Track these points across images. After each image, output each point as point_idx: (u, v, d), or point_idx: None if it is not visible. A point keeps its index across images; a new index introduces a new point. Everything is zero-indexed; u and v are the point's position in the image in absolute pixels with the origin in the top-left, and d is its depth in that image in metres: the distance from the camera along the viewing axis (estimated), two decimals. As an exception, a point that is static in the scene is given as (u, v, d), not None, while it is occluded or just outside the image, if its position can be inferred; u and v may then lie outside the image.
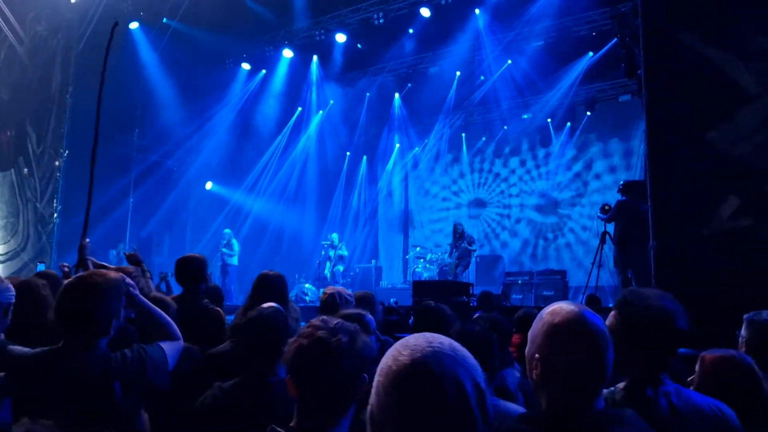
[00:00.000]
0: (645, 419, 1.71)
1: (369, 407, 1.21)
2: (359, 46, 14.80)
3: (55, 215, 12.93)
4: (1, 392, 2.25)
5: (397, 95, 16.93)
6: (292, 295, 10.56)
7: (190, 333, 2.84)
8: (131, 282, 2.49)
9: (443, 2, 12.86)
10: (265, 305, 2.65)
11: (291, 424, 1.71)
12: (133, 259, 4.25)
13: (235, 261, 13.36)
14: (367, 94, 16.77)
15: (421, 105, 16.45)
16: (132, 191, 14.20)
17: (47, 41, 13.89)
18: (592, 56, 13.66)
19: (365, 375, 1.68)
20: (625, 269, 8.69)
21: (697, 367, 2.40)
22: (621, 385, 2.12)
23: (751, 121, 5.35)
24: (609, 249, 9.23)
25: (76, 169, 12.45)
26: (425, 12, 13.06)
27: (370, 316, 3.12)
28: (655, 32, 5.89)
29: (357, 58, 15.25)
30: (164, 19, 13.80)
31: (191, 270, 4.01)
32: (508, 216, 16.69)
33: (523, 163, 16.77)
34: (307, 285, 13.87)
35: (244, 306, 3.61)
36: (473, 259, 13.52)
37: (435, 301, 3.78)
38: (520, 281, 12.95)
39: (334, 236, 14.93)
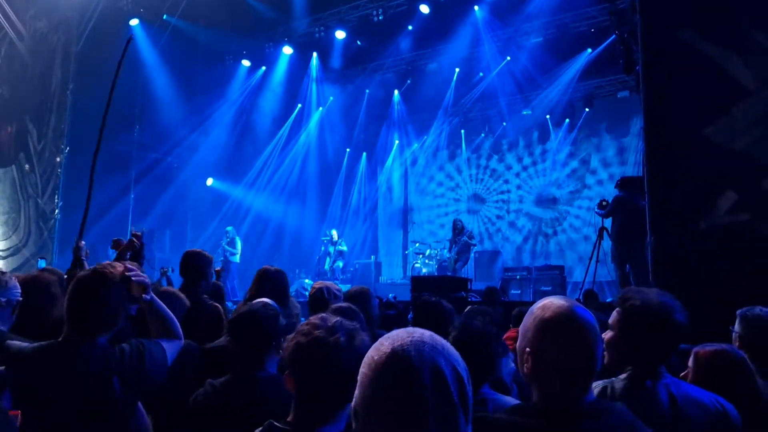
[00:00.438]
0: (645, 409, 1.78)
1: (353, 400, 1.24)
2: (358, 42, 14.80)
3: (57, 211, 12.95)
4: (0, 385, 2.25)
5: (396, 92, 16.93)
6: (292, 290, 10.60)
7: (189, 327, 2.86)
8: (144, 277, 2.45)
9: (442, -1, 12.88)
10: (257, 300, 2.67)
11: (288, 419, 1.73)
12: (129, 246, 4.06)
13: (237, 259, 13.40)
14: (367, 90, 16.76)
15: (420, 101, 16.44)
16: (132, 188, 14.22)
17: (47, 38, 13.90)
18: (591, 52, 13.65)
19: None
20: (623, 264, 8.70)
21: (690, 362, 2.43)
22: (622, 376, 2.20)
23: (749, 116, 5.36)
24: (607, 244, 9.24)
25: (77, 165, 12.46)
26: (424, 9, 13.04)
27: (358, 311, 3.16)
28: (652, 28, 5.89)
29: (356, 54, 15.25)
30: (164, 16, 13.79)
31: (196, 265, 4.03)
32: (507, 211, 16.71)
33: (521, 159, 16.79)
34: (306, 280, 13.90)
35: (244, 300, 3.63)
36: (472, 255, 13.56)
37: (434, 296, 3.81)
38: (518, 276, 12.94)
39: (333, 232, 14.99)
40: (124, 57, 5.03)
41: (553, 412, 1.61)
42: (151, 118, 14.61)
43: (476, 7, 13.33)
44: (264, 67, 15.91)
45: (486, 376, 2.56)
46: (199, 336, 3.25)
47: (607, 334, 2.20)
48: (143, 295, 2.41)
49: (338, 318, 1.81)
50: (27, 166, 13.79)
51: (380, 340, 1.26)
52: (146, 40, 13.86)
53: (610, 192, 11.11)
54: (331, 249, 14.72)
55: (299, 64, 15.92)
